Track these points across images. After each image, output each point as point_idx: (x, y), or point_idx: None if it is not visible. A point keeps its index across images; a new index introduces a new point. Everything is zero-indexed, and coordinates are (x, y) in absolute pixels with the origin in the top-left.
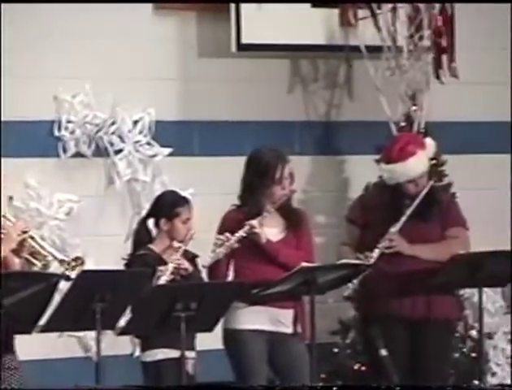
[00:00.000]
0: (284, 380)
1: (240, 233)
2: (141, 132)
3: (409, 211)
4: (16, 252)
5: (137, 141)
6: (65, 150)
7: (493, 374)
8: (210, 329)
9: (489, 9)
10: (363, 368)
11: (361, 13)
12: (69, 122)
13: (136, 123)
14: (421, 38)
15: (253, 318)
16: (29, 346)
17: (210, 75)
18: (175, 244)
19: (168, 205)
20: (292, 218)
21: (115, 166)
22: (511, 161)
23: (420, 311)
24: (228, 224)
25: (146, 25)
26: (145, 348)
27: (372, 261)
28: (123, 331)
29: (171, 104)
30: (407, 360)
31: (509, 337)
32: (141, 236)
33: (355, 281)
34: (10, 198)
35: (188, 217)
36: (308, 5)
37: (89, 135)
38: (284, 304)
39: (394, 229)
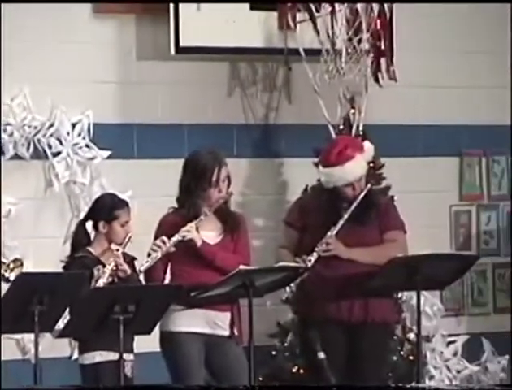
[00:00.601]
0: (221, 383)
1: (176, 237)
2: (79, 135)
3: (346, 215)
4: None
5: (76, 144)
6: (3, 153)
7: (431, 377)
8: (148, 332)
9: (429, 10)
10: (301, 371)
11: (299, 16)
12: (7, 124)
13: (74, 125)
14: (360, 41)
15: (190, 321)
16: None
17: (149, 78)
18: (114, 246)
19: (107, 208)
20: (230, 221)
21: (54, 168)
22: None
23: (358, 314)
24: (165, 227)
25: (85, 27)
26: (83, 350)
27: (310, 264)
28: (62, 334)
29: (109, 107)
30: (345, 363)
31: (446, 340)
32: (80, 239)
33: (293, 284)
34: None
35: (127, 220)
36: (247, 7)
37: (28, 137)
38: (221, 307)
39: (331, 233)
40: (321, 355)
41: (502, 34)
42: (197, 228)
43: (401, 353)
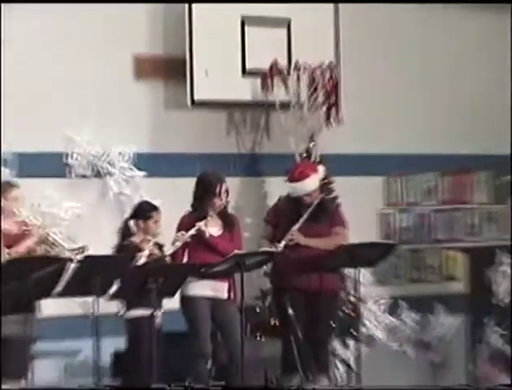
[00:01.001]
0: (222, 332)
1: (191, 232)
2: (125, 161)
3: (305, 215)
4: (38, 243)
5: (122, 167)
6: (73, 173)
7: (366, 327)
8: (172, 295)
9: (370, 70)
10: (277, 323)
11: (276, 80)
12: (76, 153)
13: (121, 154)
14: (316, 97)
15: (201, 288)
16: (48, 306)
17: (172, 122)
18: (148, 237)
19: (144, 211)
20: (228, 220)
21: (107, 184)
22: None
23: (315, 284)
24: (183, 225)
25: (129, 87)
26: (127, 308)
27: (280, 249)
28: (112, 298)
29: (145, 141)
30: (306, 318)
31: (376, 301)
32: (125, 232)
33: (269, 263)
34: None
35: (158, 219)
36: (240, 75)
37: (90, 162)
38: (221, 278)
39: (295, 228)
40: (290, 312)
41: (423, 75)
42: (205, 225)
43: (345, 311)
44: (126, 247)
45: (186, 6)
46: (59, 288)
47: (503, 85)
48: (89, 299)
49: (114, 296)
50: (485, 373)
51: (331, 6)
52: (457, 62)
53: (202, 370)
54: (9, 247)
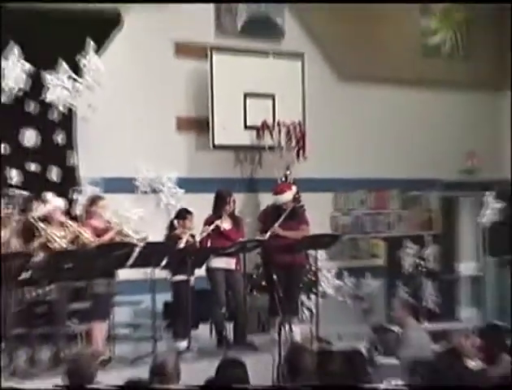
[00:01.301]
0: (232, 291)
1: (212, 226)
2: (171, 183)
3: (283, 217)
4: (116, 235)
5: (169, 187)
6: (139, 190)
7: (321, 286)
8: (200, 267)
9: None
10: (266, 285)
11: (265, 132)
12: (141, 178)
13: (168, 178)
14: (290, 143)
15: (218, 262)
16: (123, 273)
17: (200, 159)
18: (185, 231)
19: (182, 214)
20: (235, 219)
21: (160, 198)
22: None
23: (289, 260)
24: (207, 222)
25: (173, 136)
26: (172, 275)
27: (267, 238)
28: (163, 268)
29: (184, 171)
30: (284, 281)
31: (329, 271)
32: (171, 227)
33: (261, 247)
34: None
35: (191, 219)
36: (242, 129)
37: (149, 183)
38: (231, 256)
39: (276, 224)
40: (274, 277)
41: (357, 131)
42: (220, 222)
43: (308, 276)
44: (171, 237)
45: (209, 84)
46: (130, 262)
47: (419, 132)
48: (148, 269)
49: (164, 267)
50: (398, 316)
51: (300, 87)
52: (381, 125)
53: (219, 314)
54: (98, 237)
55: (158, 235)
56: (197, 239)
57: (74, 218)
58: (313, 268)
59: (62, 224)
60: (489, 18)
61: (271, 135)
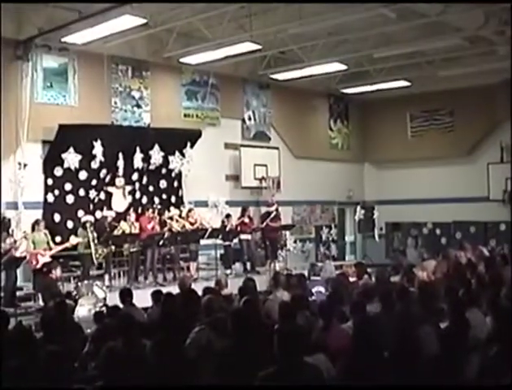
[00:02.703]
0: (249, 249)
1: (240, 221)
2: (222, 202)
3: (271, 217)
4: (200, 225)
5: (222, 204)
6: (209, 206)
7: (287, 246)
8: (235, 238)
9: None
10: (263, 246)
11: (262, 180)
12: (210, 201)
13: (220, 200)
14: (274, 185)
15: (243, 236)
16: None
17: (235, 191)
18: (230, 225)
19: (227, 216)
20: (249, 217)
21: (218, 209)
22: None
23: (273, 235)
24: (238, 219)
25: (225, 183)
26: (224, 241)
27: (263, 226)
28: (220, 239)
29: (227, 194)
30: (271, 244)
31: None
32: (223, 222)
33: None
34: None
35: (230, 218)
36: (253, 179)
37: (213, 203)
38: (249, 233)
39: (268, 220)
40: (267, 242)
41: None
42: (245, 218)
43: (282, 242)
44: (223, 225)
45: (239, 160)
46: (205, 236)
47: (329, 181)
48: (213, 239)
49: (221, 238)
50: (321, 258)
51: (277, 161)
52: (313, 179)
53: (244, 258)
54: (192, 225)
55: (217, 225)
56: (234, 226)
57: (181, 217)
58: (283, 238)
59: (177, 220)
60: (359, 130)
61: (266, 182)
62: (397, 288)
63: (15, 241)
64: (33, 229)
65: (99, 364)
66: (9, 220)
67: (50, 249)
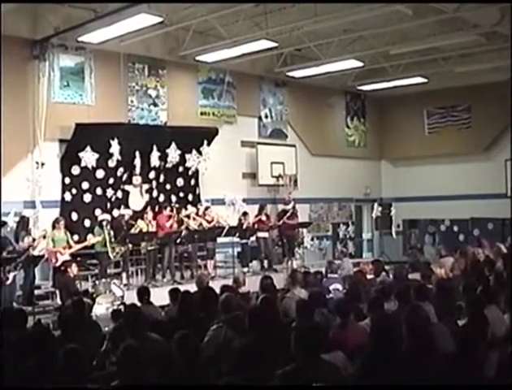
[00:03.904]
0: (267, 247)
1: (257, 218)
2: (239, 199)
3: (288, 214)
4: (216, 222)
5: (236, 201)
6: (226, 204)
7: (304, 244)
8: (252, 236)
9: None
10: (280, 243)
11: (279, 178)
12: (227, 199)
13: (237, 198)
14: (291, 183)
15: (260, 234)
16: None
17: (250, 189)
18: (246, 221)
19: (245, 214)
20: (266, 215)
21: (236, 207)
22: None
23: (290, 233)
24: (256, 216)
25: (241, 181)
26: (241, 239)
27: (280, 223)
28: (237, 237)
29: (244, 193)
30: (288, 241)
31: (309, 237)
32: (240, 219)
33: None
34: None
35: (247, 216)
36: (270, 176)
37: (230, 201)
38: (266, 231)
39: (285, 217)
40: (284, 240)
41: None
42: (262, 216)
43: (299, 240)
44: (240, 223)
45: (256, 158)
46: (223, 234)
47: (345, 177)
48: (230, 237)
49: (237, 236)
50: (338, 256)
51: (294, 159)
52: (330, 175)
53: (261, 256)
54: (209, 223)
55: (234, 223)
56: (251, 223)
57: (198, 215)
58: (301, 236)
59: (194, 218)
60: (376, 127)
61: (283, 179)
62: (415, 286)
63: (34, 240)
64: (53, 227)
65: (115, 363)
66: (28, 219)
67: (70, 247)
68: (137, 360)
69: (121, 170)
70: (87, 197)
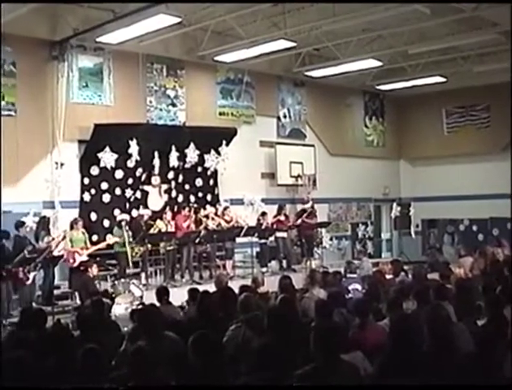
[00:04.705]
0: (285, 247)
1: (276, 219)
2: (258, 199)
3: (306, 214)
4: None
5: (258, 202)
6: (245, 204)
7: (323, 244)
8: (271, 236)
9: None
10: (299, 243)
11: (298, 177)
12: (246, 199)
13: (256, 198)
14: (310, 183)
15: (279, 233)
16: None
17: (269, 188)
18: (265, 222)
19: (263, 214)
20: (285, 215)
21: (254, 207)
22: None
23: (309, 233)
24: (274, 217)
25: (260, 181)
26: (259, 239)
27: (299, 223)
28: (256, 237)
29: (263, 194)
30: (307, 241)
31: (327, 237)
32: (258, 219)
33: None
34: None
35: (266, 216)
36: (288, 176)
37: (249, 201)
38: (285, 231)
39: (303, 216)
40: (303, 240)
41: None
42: (281, 216)
43: (317, 240)
44: (258, 223)
45: (274, 158)
46: (241, 234)
47: (364, 177)
48: (248, 237)
49: (256, 237)
50: (357, 256)
51: (313, 159)
52: (349, 175)
53: (280, 256)
54: (227, 223)
55: (253, 223)
56: (270, 223)
57: (217, 215)
58: (319, 236)
59: (212, 218)
60: (395, 127)
61: (301, 179)
62: (434, 286)
63: (53, 240)
64: (72, 228)
65: (128, 363)
66: (48, 219)
67: (88, 247)
68: (148, 361)
69: (140, 170)
70: (106, 198)
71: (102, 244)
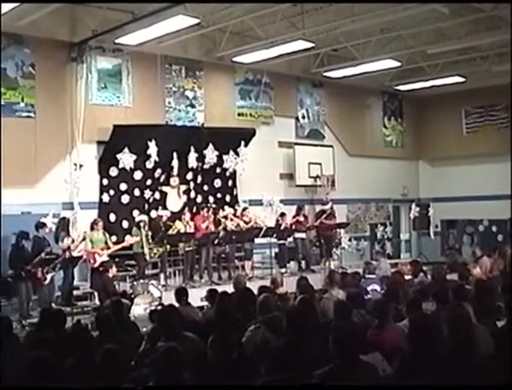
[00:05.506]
0: (304, 247)
1: (295, 219)
2: (277, 200)
3: (325, 215)
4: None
5: (274, 202)
6: (264, 204)
7: (342, 245)
8: (289, 237)
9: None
10: (318, 244)
11: (316, 178)
12: (265, 200)
13: (274, 199)
14: (328, 183)
15: (298, 234)
16: None
17: (287, 189)
18: (284, 221)
19: (282, 214)
20: (304, 216)
21: (273, 208)
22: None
23: (328, 233)
24: (293, 217)
25: (279, 181)
26: (278, 239)
27: (318, 224)
28: (274, 238)
29: (282, 195)
30: (326, 241)
31: (346, 237)
32: (277, 220)
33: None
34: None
35: (285, 216)
36: (307, 177)
37: (268, 202)
38: (304, 231)
39: (322, 217)
40: (322, 241)
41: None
42: (300, 216)
43: (336, 241)
44: (277, 224)
45: (293, 159)
46: (260, 235)
47: (383, 178)
48: (267, 238)
49: (275, 237)
50: (376, 257)
51: (331, 159)
52: (367, 175)
53: (299, 257)
54: (246, 224)
55: (271, 224)
56: (288, 224)
57: (236, 216)
58: (338, 236)
59: (231, 219)
60: (413, 127)
61: (320, 180)
62: (454, 287)
63: (73, 241)
64: (92, 228)
65: (151, 363)
66: (68, 220)
67: (108, 248)
68: (177, 362)
69: (159, 171)
70: (125, 199)
71: (122, 245)
